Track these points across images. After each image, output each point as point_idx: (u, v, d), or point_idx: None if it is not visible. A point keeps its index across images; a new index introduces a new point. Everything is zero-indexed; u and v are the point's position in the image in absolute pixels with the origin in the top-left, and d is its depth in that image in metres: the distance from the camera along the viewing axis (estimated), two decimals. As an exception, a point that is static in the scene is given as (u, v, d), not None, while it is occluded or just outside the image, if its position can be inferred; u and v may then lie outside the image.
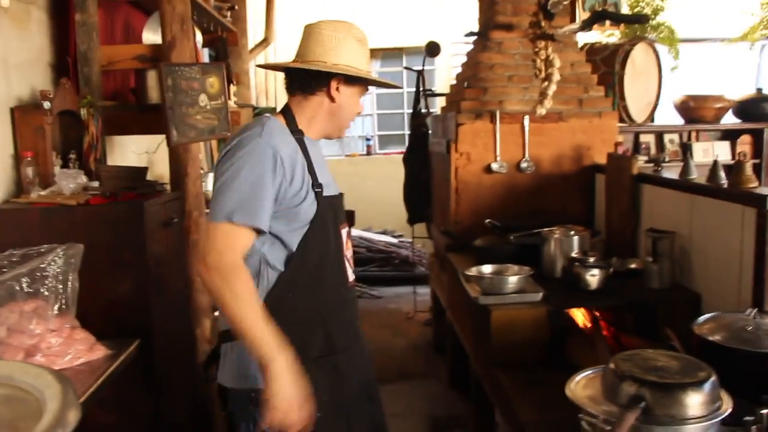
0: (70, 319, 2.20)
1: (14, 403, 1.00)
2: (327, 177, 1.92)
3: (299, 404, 1.67)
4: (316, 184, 1.83)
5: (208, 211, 2.12)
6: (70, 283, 2.17)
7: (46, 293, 2.11)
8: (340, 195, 1.99)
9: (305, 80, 1.87)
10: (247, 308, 1.65)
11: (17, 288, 2.04)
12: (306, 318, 1.83)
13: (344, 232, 1.96)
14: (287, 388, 1.64)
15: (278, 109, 1.95)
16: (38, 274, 2.08)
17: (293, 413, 1.66)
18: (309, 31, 1.89)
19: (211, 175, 3.67)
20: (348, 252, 1.97)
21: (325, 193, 1.86)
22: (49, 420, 0.88)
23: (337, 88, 1.86)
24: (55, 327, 2.13)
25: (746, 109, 4.99)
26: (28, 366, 1.10)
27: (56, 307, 2.14)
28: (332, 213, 1.88)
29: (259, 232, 1.73)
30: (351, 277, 1.98)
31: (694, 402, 1.48)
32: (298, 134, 1.86)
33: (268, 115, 1.89)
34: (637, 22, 3.26)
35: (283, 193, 1.76)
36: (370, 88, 2.01)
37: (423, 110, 5.21)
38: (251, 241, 1.73)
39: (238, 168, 1.71)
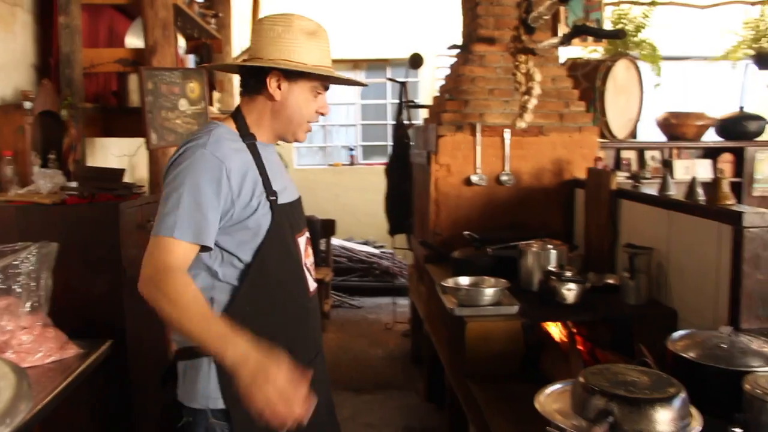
0: (42, 317, 2.19)
1: None
2: (283, 182, 1.83)
3: (280, 390, 1.47)
4: (270, 193, 1.73)
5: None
6: (43, 281, 2.16)
7: (19, 290, 2.09)
8: (298, 199, 1.91)
9: (245, 79, 1.78)
10: (186, 310, 1.52)
11: (-11, 284, 2.02)
12: (266, 334, 1.64)
13: (303, 239, 1.87)
14: (256, 376, 1.47)
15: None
16: (11, 271, 2.06)
17: (278, 403, 1.46)
18: (253, 27, 1.81)
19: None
20: (308, 260, 1.88)
21: (280, 201, 1.76)
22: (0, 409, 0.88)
23: (278, 86, 1.73)
24: (26, 324, 2.11)
25: (728, 127, 5.05)
26: None
27: (28, 304, 2.12)
28: (288, 222, 1.79)
29: (203, 248, 1.64)
30: (312, 285, 1.89)
31: (663, 418, 1.49)
32: (249, 139, 1.76)
33: (216, 122, 1.78)
34: (615, 37, 3.30)
35: (229, 206, 1.66)
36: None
37: (406, 122, 5.23)
38: (192, 256, 1.63)
39: (181, 180, 1.62)
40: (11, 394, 0.93)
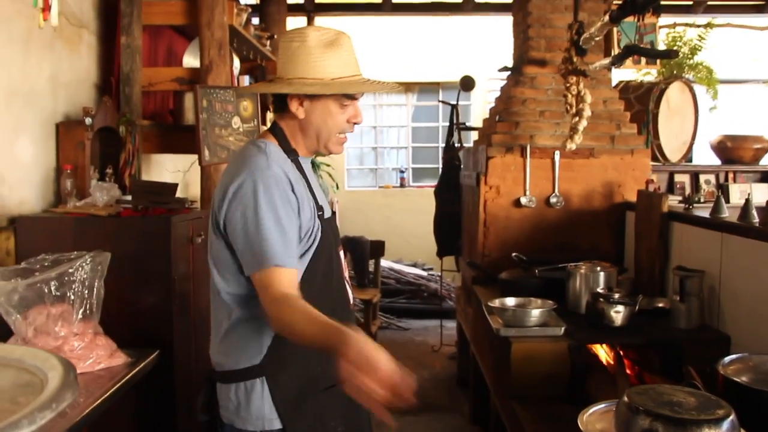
0: (94, 324, 2.25)
1: (21, 381, 1.06)
2: (322, 197, 1.82)
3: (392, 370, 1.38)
4: (318, 207, 1.74)
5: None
6: (95, 289, 2.22)
7: (73, 298, 2.16)
8: (334, 215, 1.89)
9: (274, 99, 1.75)
10: (305, 321, 1.49)
11: (46, 291, 2.10)
12: (312, 351, 1.60)
13: (341, 252, 1.87)
14: (373, 355, 1.38)
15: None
16: (66, 278, 2.13)
17: (392, 380, 1.38)
18: (276, 47, 1.79)
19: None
20: (346, 273, 1.88)
21: (325, 216, 1.76)
22: (47, 396, 0.93)
23: (301, 104, 1.70)
24: (78, 331, 2.18)
25: (787, 150, 4.91)
26: (37, 351, 1.16)
27: (81, 311, 2.18)
28: (333, 235, 1.79)
29: None
30: (351, 299, 1.90)
31: (711, 440, 1.44)
32: (292, 155, 1.75)
33: (262, 140, 1.75)
34: (666, 57, 3.25)
35: (300, 222, 1.66)
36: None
37: (456, 144, 5.24)
38: (295, 277, 1.61)
39: (259, 210, 1.59)
40: (58, 383, 0.98)
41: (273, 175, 1.62)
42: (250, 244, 1.59)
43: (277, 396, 1.69)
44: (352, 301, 1.92)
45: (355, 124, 1.77)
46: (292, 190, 1.65)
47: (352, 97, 1.73)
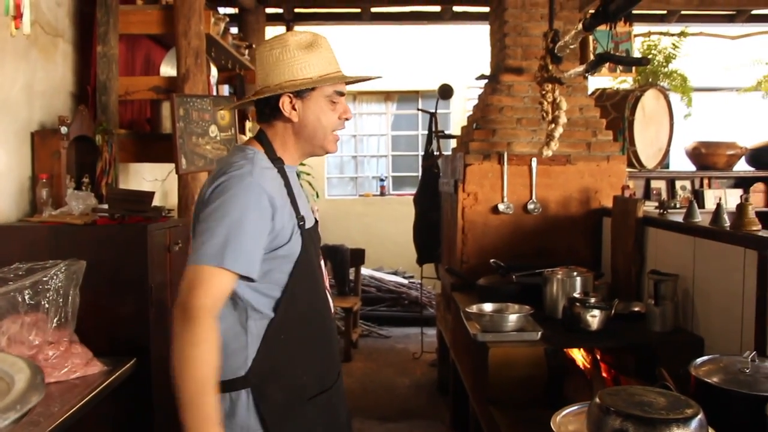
0: (69, 333, 2.24)
1: None
2: (305, 206, 1.83)
3: None
4: (300, 218, 1.73)
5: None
6: (70, 298, 2.21)
7: (47, 306, 2.15)
8: (316, 223, 1.89)
9: (261, 110, 1.78)
10: (200, 361, 1.51)
11: (20, 299, 2.09)
12: (300, 359, 1.72)
13: (322, 263, 1.89)
14: None
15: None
16: (40, 287, 2.12)
17: None
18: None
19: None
20: (328, 282, 1.90)
21: (306, 226, 1.76)
22: (12, 398, 0.93)
23: (293, 107, 1.73)
24: (53, 339, 2.17)
25: (759, 156, 4.99)
26: (5, 355, 1.16)
27: (56, 320, 2.18)
28: (314, 245, 1.80)
29: (246, 278, 1.61)
30: (332, 307, 1.92)
31: (680, 439, 1.46)
32: (278, 163, 1.76)
33: (250, 147, 1.76)
34: (639, 64, 3.30)
35: (274, 235, 1.65)
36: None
37: (435, 152, 5.26)
38: (231, 288, 1.60)
39: (228, 209, 1.58)
40: (24, 385, 0.98)
41: (252, 182, 1.62)
42: (202, 236, 1.58)
43: (262, 407, 1.68)
44: (333, 310, 1.92)
45: (345, 119, 1.81)
46: (270, 201, 1.64)
47: (341, 94, 1.77)
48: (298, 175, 2.00)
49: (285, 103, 1.72)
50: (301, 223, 1.73)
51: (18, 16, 2.54)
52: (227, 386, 1.68)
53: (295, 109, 1.73)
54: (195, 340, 1.51)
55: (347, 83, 1.80)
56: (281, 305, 1.68)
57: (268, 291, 1.68)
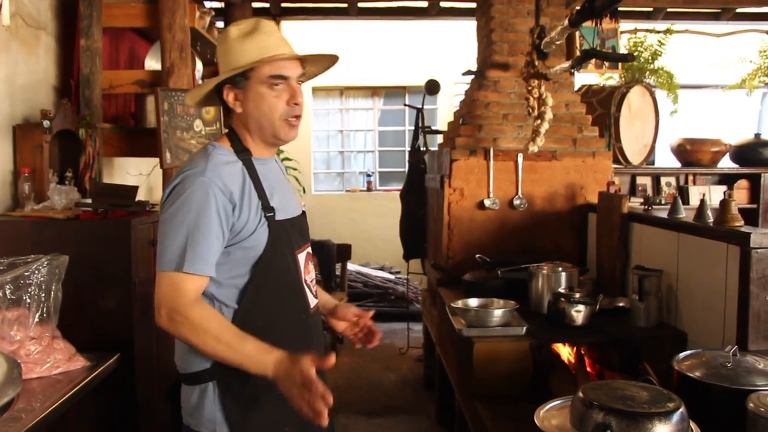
0: (51, 328, 2.22)
1: None
2: (283, 197, 1.81)
3: (307, 389, 1.50)
4: (267, 209, 1.71)
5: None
6: (53, 293, 2.19)
7: (29, 301, 2.13)
8: (300, 216, 1.87)
9: (223, 105, 1.79)
10: (214, 339, 1.56)
11: (0, 295, 2.06)
12: None
13: (303, 255, 1.83)
14: (291, 386, 1.52)
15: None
16: (22, 282, 2.10)
17: (309, 400, 1.50)
18: None
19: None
20: (308, 276, 1.85)
21: (278, 217, 1.74)
22: None
23: (236, 97, 1.73)
24: (35, 335, 2.15)
25: (744, 153, 5.03)
26: None
27: (38, 315, 2.16)
28: (287, 238, 1.76)
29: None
30: (312, 302, 1.86)
31: (662, 432, 1.47)
32: (244, 155, 1.75)
33: (213, 143, 1.77)
34: (624, 60, 3.33)
35: (233, 229, 1.66)
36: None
37: (422, 147, 5.26)
38: (203, 286, 1.64)
39: (185, 213, 1.60)
40: (1, 379, 0.98)
41: (206, 181, 1.63)
42: (164, 242, 1.61)
43: (227, 401, 1.68)
44: (313, 305, 1.87)
45: (296, 105, 1.73)
46: (227, 196, 1.64)
47: (281, 77, 1.71)
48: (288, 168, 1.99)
49: (228, 95, 1.73)
50: (270, 214, 1.71)
51: (-3, 7, 2.51)
52: (197, 378, 1.70)
53: (238, 100, 1.73)
54: (194, 331, 1.57)
55: (292, 65, 1.73)
56: (245, 297, 1.69)
57: (232, 282, 1.69)
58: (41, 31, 3.44)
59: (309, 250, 1.89)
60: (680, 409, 1.52)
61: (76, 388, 2.07)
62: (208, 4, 5.60)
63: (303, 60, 1.79)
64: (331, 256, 6.24)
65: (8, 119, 3.08)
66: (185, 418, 1.76)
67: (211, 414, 1.69)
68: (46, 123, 3.00)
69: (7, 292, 2.08)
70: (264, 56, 1.69)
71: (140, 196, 3.16)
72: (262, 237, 1.70)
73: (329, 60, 1.86)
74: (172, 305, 1.57)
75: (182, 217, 1.60)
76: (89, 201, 2.87)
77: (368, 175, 8.59)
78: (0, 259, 2.22)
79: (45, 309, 2.17)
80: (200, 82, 4.11)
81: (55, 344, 2.20)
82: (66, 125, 3.19)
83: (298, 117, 1.76)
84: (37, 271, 2.14)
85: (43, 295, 2.17)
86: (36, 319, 2.15)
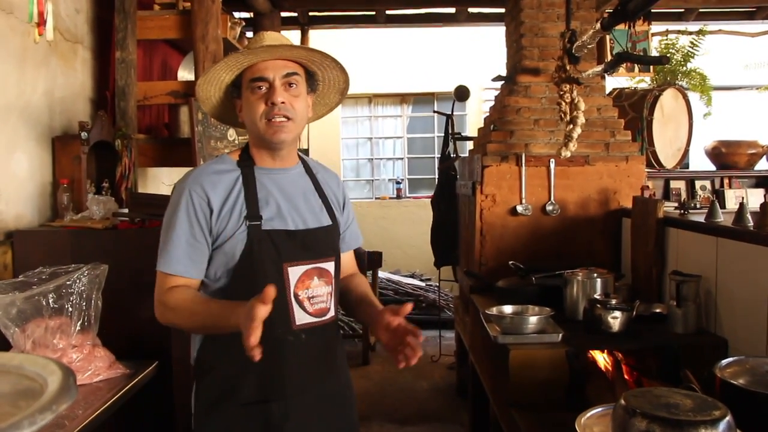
0: (92, 336, 2.26)
1: (21, 387, 1.09)
2: (291, 209, 1.78)
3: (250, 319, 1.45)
4: (252, 217, 1.70)
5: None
6: (93, 301, 2.23)
7: (71, 310, 2.17)
8: (314, 229, 1.81)
9: None
10: (189, 313, 1.67)
11: (44, 303, 2.11)
12: (237, 360, 1.58)
13: (298, 269, 1.74)
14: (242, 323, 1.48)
15: (310, 149, 1.94)
16: (64, 291, 2.14)
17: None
18: None
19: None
20: (303, 291, 1.75)
21: (269, 227, 1.72)
22: (46, 400, 0.95)
23: (240, 108, 1.82)
24: (77, 343, 2.19)
25: (781, 155, 4.93)
26: (37, 357, 1.19)
27: (79, 323, 2.20)
28: (273, 248, 1.71)
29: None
30: (302, 319, 1.75)
31: (707, 441, 1.44)
32: (246, 163, 1.78)
33: (221, 154, 1.88)
34: (658, 63, 3.28)
35: (212, 233, 1.71)
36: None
37: (452, 154, 5.25)
38: (180, 282, 1.72)
39: (167, 217, 1.76)
40: (58, 386, 1.01)
41: (186, 188, 1.72)
42: (160, 244, 1.76)
43: (196, 401, 1.77)
44: (302, 321, 1.76)
45: (273, 104, 1.72)
46: (206, 200, 1.71)
47: (262, 79, 1.73)
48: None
49: (237, 108, 1.83)
50: (254, 223, 1.70)
51: (41, 23, 2.57)
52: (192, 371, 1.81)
53: (240, 111, 1.82)
54: (174, 313, 1.71)
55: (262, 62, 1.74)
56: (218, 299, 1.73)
57: (216, 285, 1.75)
58: (78, 45, 3.51)
59: (321, 265, 1.80)
60: (727, 417, 1.48)
61: (116, 396, 2.10)
62: (237, 15, 5.66)
63: (308, 63, 1.81)
64: (362, 264, 6.24)
65: (47, 131, 3.14)
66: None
67: (194, 407, 1.79)
68: (83, 135, 3.06)
69: (50, 300, 2.12)
70: (234, 58, 1.75)
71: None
72: (239, 244, 1.71)
73: (332, 61, 1.84)
74: (157, 300, 1.73)
75: (165, 221, 1.75)
76: (126, 211, 2.92)
77: (398, 183, 8.60)
78: (42, 268, 2.27)
79: (86, 317, 2.21)
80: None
81: (96, 352, 2.24)
82: (103, 136, 3.24)
83: (285, 117, 1.73)
84: (78, 281, 2.18)
85: (84, 303, 2.21)
86: (78, 328, 2.19)
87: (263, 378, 1.70)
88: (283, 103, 1.72)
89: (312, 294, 1.77)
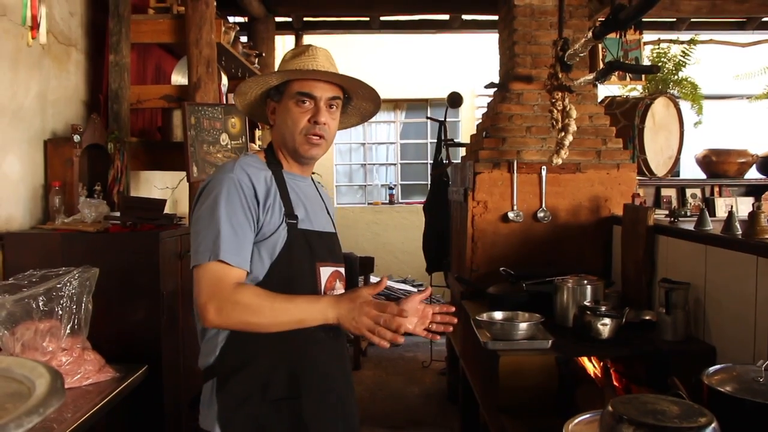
0: (82, 339, 2.26)
1: (8, 390, 1.09)
2: (312, 212, 1.84)
3: (373, 317, 1.59)
4: (290, 215, 1.75)
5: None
6: (83, 304, 2.23)
7: (61, 313, 2.17)
8: (331, 234, 1.91)
9: (268, 119, 1.91)
10: (269, 309, 1.61)
11: (34, 306, 2.11)
12: (268, 356, 1.69)
13: (327, 270, 1.82)
14: (360, 317, 1.60)
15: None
16: (54, 294, 2.14)
17: (376, 326, 1.59)
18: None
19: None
20: (331, 291, 1.82)
21: (302, 226, 1.77)
22: (34, 402, 0.95)
23: (273, 111, 1.85)
24: (66, 346, 2.19)
25: (771, 164, 4.97)
26: (25, 360, 1.19)
27: (69, 327, 2.19)
28: (307, 246, 1.77)
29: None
30: None
31: (693, 448, 1.45)
32: (274, 166, 1.82)
33: (246, 154, 1.87)
34: (649, 72, 3.31)
35: (261, 224, 1.71)
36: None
37: (444, 160, 5.27)
38: (242, 276, 1.66)
39: (213, 207, 1.66)
40: (45, 389, 1.01)
41: (234, 177, 1.70)
42: (197, 238, 1.66)
43: (219, 398, 1.69)
44: None
45: (316, 123, 1.78)
46: (255, 195, 1.70)
47: (310, 96, 1.78)
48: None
49: (269, 108, 1.85)
50: (292, 221, 1.75)
51: (35, 26, 2.57)
52: (206, 374, 1.73)
53: (273, 114, 1.84)
54: (249, 311, 1.60)
55: (311, 80, 1.79)
56: None
57: (251, 278, 1.71)
58: (72, 48, 3.51)
59: (340, 269, 1.88)
60: (713, 424, 1.50)
61: (106, 399, 2.10)
62: (231, 19, 5.67)
63: (349, 90, 1.89)
64: (353, 269, 6.25)
65: (40, 134, 3.14)
66: (200, 419, 1.77)
67: (213, 411, 1.70)
68: (76, 137, 3.05)
69: (40, 303, 2.12)
70: (292, 72, 1.78)
71: (166, 209, 3.19)
72: (281, 239, 1.72)
73: (371, 94, 1.92)
74: (219, 298, 1.59)
75: (212, 213, 1.66)
76: (118, 214, 2.91)
77: (390, 188, 8.62)
78: (32, 271, 2.26)
79: (76, 321, 2.21)
80: (225, 96, 4.15)
81: (85, 355, 2.24)
82: (95, 140, 3.24)
83: (321, 137, 1.80)
84: (68, 284, 2.18)
85: (75, 307, 2.20)
86: (67, 331, 2.19)
87: (294, 375, 1.72)
88: (324, 124, 1.79)
89: (336, 294, 1.84)
